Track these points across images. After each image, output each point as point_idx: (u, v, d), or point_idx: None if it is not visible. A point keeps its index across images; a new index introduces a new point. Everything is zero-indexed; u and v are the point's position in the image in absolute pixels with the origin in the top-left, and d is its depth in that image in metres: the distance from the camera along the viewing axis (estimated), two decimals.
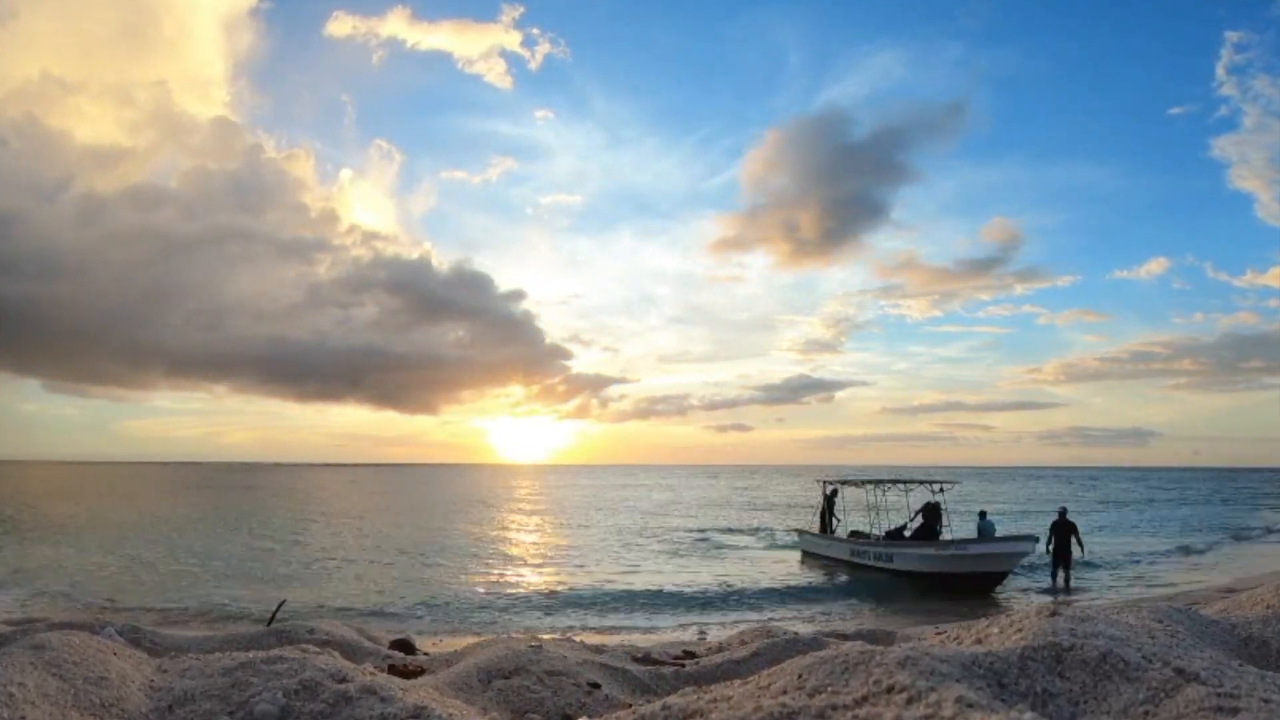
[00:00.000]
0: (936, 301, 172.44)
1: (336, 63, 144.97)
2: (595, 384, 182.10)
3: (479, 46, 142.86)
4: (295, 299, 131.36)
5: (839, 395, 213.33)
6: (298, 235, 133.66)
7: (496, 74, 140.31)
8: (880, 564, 16.48)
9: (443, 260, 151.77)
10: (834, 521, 19.95)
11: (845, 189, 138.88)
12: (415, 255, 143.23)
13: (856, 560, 17.41)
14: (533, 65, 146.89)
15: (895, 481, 19.03)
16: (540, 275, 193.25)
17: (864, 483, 19.27)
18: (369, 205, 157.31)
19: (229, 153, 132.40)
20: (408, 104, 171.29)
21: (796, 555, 20.45)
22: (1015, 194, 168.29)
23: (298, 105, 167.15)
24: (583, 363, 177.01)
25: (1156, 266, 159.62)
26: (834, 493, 20.23)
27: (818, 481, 21.11)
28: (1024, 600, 13.82)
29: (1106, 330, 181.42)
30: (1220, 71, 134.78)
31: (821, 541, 19.62)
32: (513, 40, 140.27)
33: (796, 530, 22.37)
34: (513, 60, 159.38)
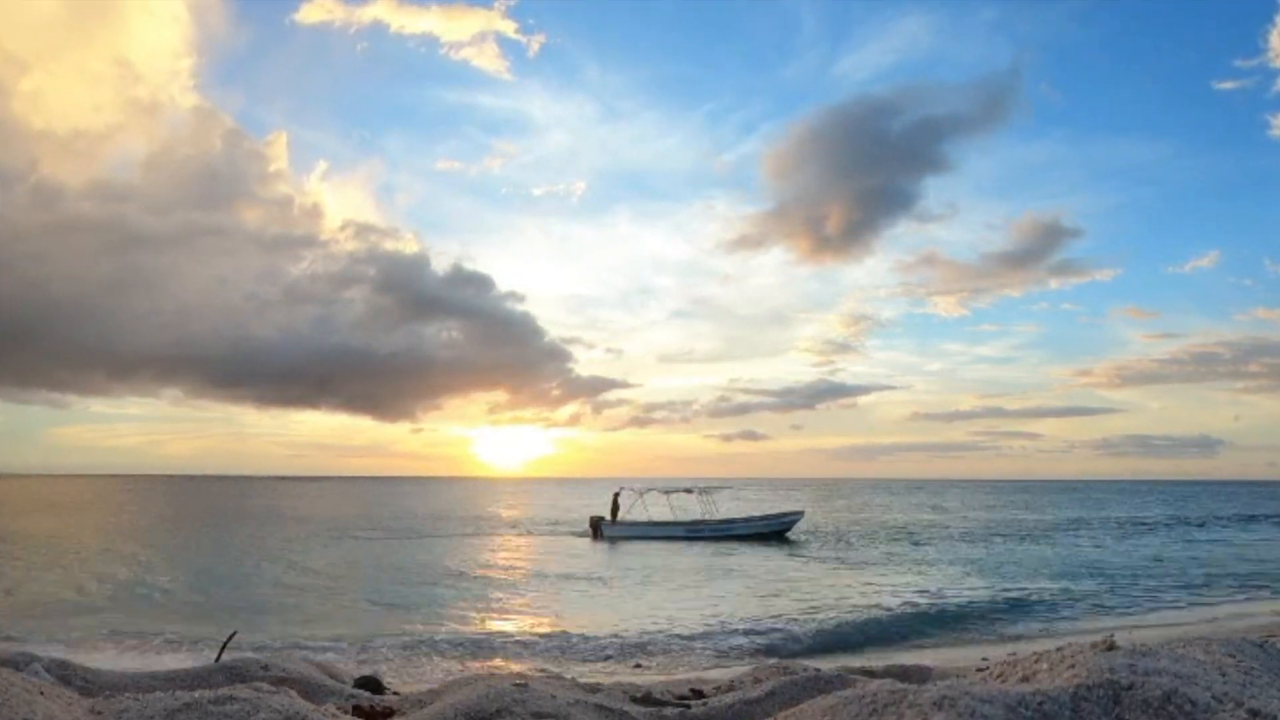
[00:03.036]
0: (970, 297, 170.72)
1: (315, 47, 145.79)
2: (589, 388, 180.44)
3: (469, 29, 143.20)
4: (266, 295, 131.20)
5: (864, 400, 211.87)
6: (272, 227, 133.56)
7: (487, 58, 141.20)
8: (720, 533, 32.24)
9: (424, 249, 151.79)
10: (618, 514, 34.11)
11: (870, 178, 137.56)
12: (396, 246, 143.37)
13: (695, 535, 32.17)
14: (531, 53, 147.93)
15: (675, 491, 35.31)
16: (525, 263, 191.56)
17: (646, 490, 35.33)
18: (349, 196, 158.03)
19: (200, 139, 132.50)
20: (390, 90, 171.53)
21: (823, 577, 20.58)
22: (1055, 177, 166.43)
23: (273, 91, 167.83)
24: (574, 364, 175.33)
25: (1210, 259, 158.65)
26: (617, 495, 34.65)
27: (619, 491, 35.12)
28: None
29: (1159, 328, 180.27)
30: (1276, 41, 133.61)
31: (641, 525, 33.29)
32: (508, 27, 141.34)
33: (595, 517, 34.16)
34: (507, 45, 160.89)
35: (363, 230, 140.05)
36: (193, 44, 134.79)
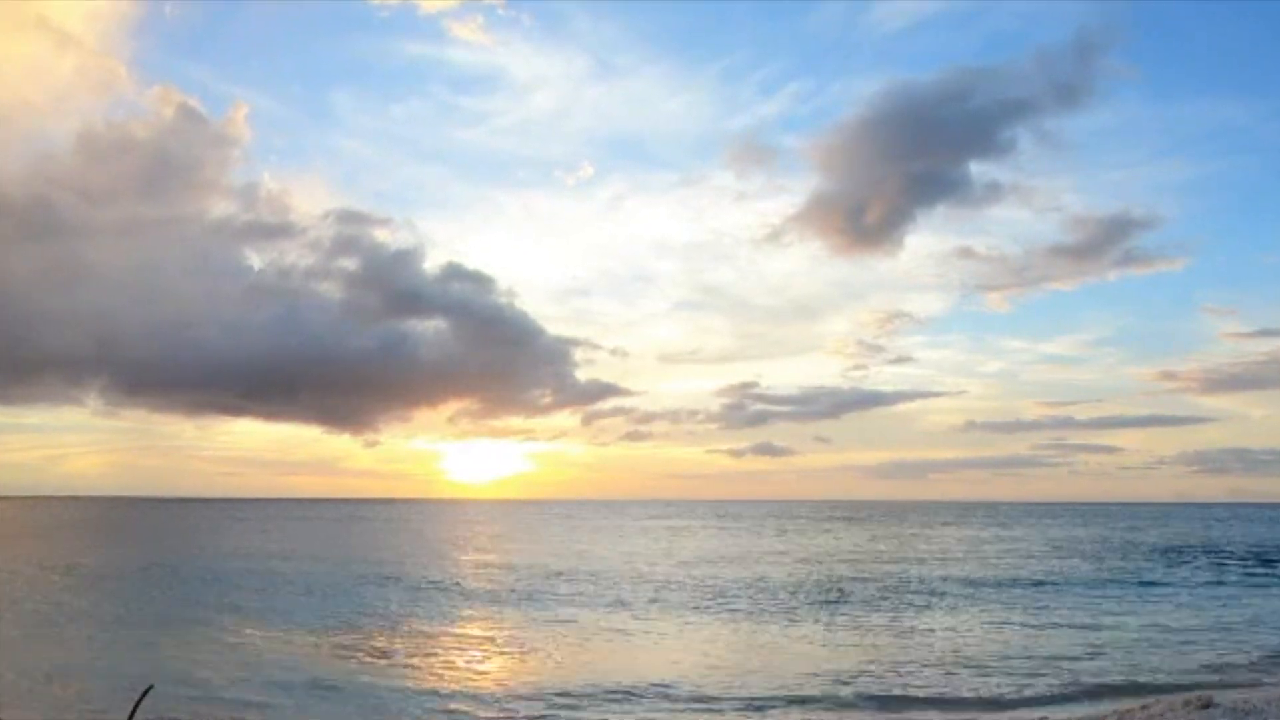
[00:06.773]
0: (1028, 290, 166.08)
1: (275, 15, 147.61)
2: (586, 394, 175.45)
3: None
4: (212, 288, 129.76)
5: (906, 408, 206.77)
6: (225, 212, 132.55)
7: (470, 30, 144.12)
8: None
9: (394, 235, 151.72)
10: None
11: (914, 159, 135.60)
12: (368, 233, 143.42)
13: None
14: (522, 25, 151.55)
15: None
16: (502, 242, 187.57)
17: None
18: (313, 179, 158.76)
19: (149, 117, 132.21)
20: (359, 60, 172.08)
21: (822, 628, 20.55)
22: (1128, 147, 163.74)
23: (229, 64, 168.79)
24: (574, 367, 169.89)
25: None
26: None
27: None
28: None
29: (1249, 324, 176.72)
30: None
31: None
32: (497, 1, 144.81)
33: None
34: (494, 19, 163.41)
35: (330, 215, 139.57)
36: (140, 12, 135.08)
